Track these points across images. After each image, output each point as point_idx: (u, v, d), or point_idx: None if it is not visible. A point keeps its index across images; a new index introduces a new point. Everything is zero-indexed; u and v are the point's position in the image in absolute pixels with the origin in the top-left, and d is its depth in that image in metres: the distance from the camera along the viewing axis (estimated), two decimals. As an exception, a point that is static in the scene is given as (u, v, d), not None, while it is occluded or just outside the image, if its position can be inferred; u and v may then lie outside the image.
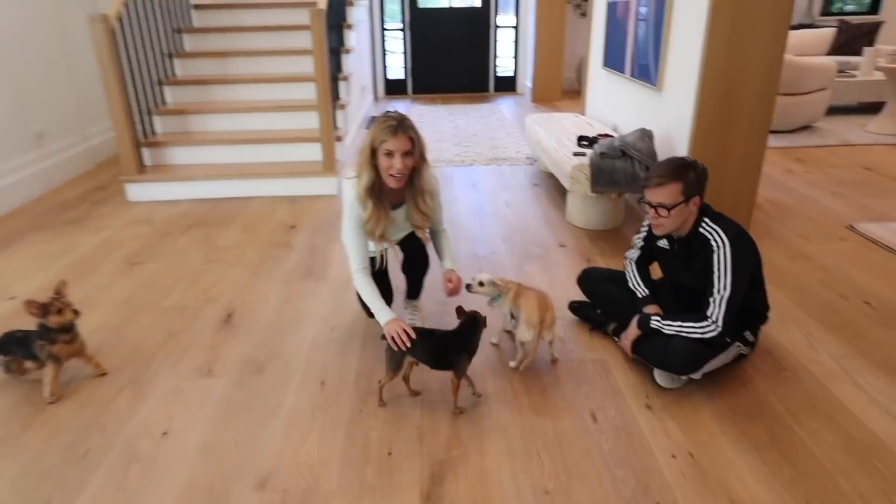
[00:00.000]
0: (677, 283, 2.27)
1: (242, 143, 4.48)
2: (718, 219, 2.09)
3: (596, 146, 3.36)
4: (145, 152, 4.45)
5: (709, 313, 2.04)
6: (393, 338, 2.01)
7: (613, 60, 4.35)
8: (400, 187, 2.21)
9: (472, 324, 2.07)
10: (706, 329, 2.04)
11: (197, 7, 5.35)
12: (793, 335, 2.48)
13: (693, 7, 3.07)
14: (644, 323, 2.19)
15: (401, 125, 2.09)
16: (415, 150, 2.14)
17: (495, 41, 8.23)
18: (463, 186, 4.50)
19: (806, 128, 5.84)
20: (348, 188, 2.22)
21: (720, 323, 2.02)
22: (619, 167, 3.21)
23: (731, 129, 3.08)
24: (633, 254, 2.44)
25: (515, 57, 8.38)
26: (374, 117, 2.16)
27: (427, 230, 2.40)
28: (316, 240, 3.54)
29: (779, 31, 2.93)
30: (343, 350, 2.45)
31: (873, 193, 4.11)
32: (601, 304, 2.53)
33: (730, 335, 2.10)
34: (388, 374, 2.07)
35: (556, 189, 4.38)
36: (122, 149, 4.22)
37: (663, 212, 2.05)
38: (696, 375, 2.11)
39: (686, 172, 2.02)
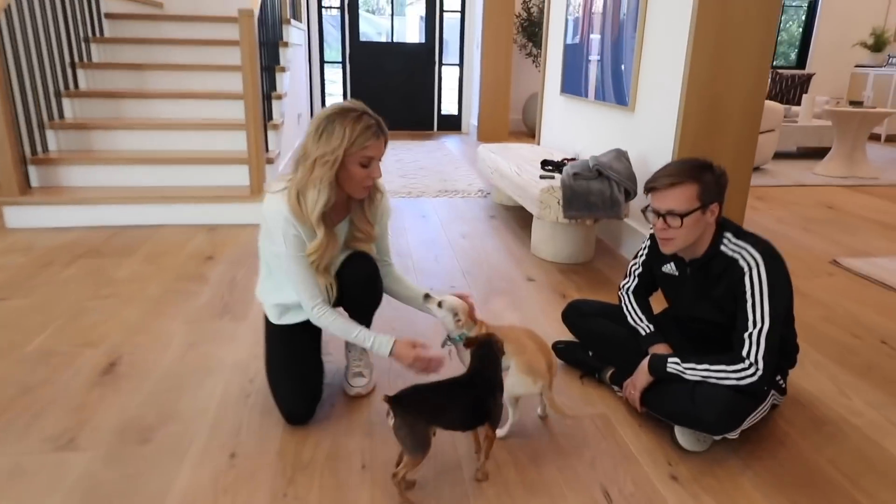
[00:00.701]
0: (689, 316, 1.82)
1: (154, 162, 3.83)
2: (742, 234, 1.67)
3: (567, 167, 2.96)
4: (33, 171, 3.71)
5: (744, 353, 1.59)
6: (420, 364, 1.68)
7: (572, 85, 4.05)
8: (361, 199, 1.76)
9: (490, 351, 1.57)
10: (743, 373, 1.58)
11: (109, 16, 4.73)
12: (817, 380, 2.07)
13: (672, 20, 2.78)
14: (657, 367, 1.71)
15: (380, 124, 1.65)
16: (384, 153, 1.72)
17: (440, 79, 7.96)
18: (412, 217, 4.00)
19: (757, 169, 5.75)
20: (276, 206, 1.66)
21: (760, 365, 1.57)
22: (596, 189, 2.80)
23: (719, 146, 2.75)
24: (630, 283, 1.99)
25: (460, 96, 8.12)
26: (330, 116, 1.64)
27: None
28: (237, 273, 2.92)
29: (766, 41, 2.66)
30: (265, 408, 1.83)
31: (844, 230, 3.91)
32: (593, 344, 2.04)
33: (770, 381, 1.65)
34: (414, 456, 1.44)
35: (515, 221, 3.95)
36: (1, 168, 3.48)
37: (674, 221, 1.61)
38: (734, 435, 1.63)
39: (703, 173, 1.60)
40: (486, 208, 4.27)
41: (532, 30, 7.57)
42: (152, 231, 3.52)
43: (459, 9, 7.68)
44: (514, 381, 1.67)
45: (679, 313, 1.88)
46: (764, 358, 1.56)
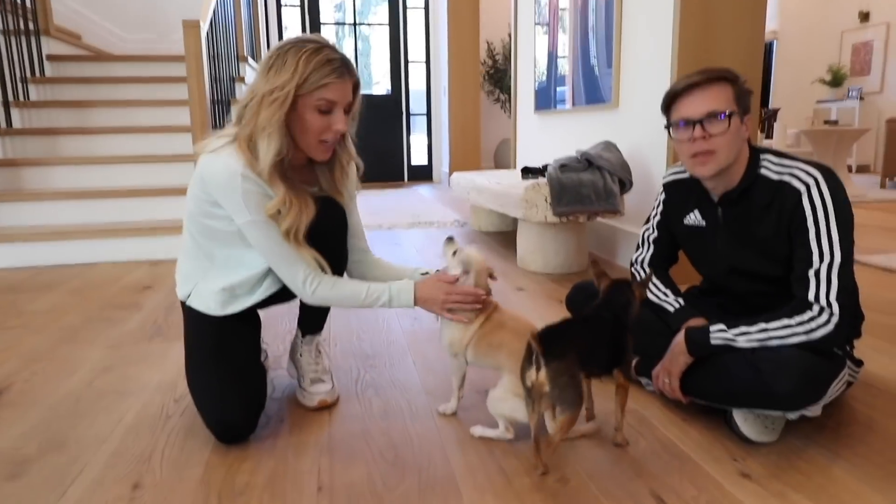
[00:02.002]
0: (726, 275, 1.45)
1: (91, 197, 3.44)
2: (785, 154, 1.35)
3: (552, 162, 2.65)
4: (-49, 212, 3.28)
5: (810, 296, 1.22)
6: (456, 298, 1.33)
7: (545, 101, 3.85)
8: (325, 160, 1.38)
9: (624, 289, 1.30)
10: (813, 322, 1.21)
11: (52, 58, 4.45)
12: (880, 362, 1.71)
13: (653, 8, 2.58)
14: (699, 341, 1.32)
15: (345, 61, 1.30)
16: (355, 104, 1.36)
17: (408, 129, 7.82)
18: (384, 244, 3.62)
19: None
20: (224, 164, 1.27)
21: (835, 308, 1.20)
22: (587, 180, 2.49)
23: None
24: (644, 253, 1.63)
25: (429, 145, 7.96)
26: (283, 46, 1.30)
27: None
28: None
29: (756, 14, 2.46)
30: (189, 430, 1.38)
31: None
32: (609, 331, 1.65)
33: (848, 333, 1.28)
34: (574, 411, 1.14)
35: (497, 242, 3.61)
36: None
37: (717, 125, 1.27)
38: (815, 410, 1.23)
39: (735, 78, 1.30)
40: (464, 235, 3.93)
41: (497, 76, 7.55)
42: (84, 269, 3.07)
43: (424, 59, 7.66)
44: (503, 401, 1.27)
45: (712, 275, 1.52)
46: (838, 299, 1.20)
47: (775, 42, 8.56)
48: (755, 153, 1.35)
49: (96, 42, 5.23)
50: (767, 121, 7.72)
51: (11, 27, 3.99)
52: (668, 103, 1.35)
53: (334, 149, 1.38)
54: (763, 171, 1.33)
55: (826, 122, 5.55)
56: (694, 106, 1.30)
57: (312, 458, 1.26)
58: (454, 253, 1.39)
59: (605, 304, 1.30)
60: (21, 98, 4.05)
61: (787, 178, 1.29)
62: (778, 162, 1.32)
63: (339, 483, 1.17)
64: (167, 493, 1.14)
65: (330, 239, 1.41)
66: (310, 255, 1.33)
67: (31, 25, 4.24)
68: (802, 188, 1.26)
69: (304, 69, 1.24)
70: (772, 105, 8.52)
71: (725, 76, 1.29)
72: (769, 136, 7.53)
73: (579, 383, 1.15)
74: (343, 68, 1.29)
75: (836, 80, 8.26)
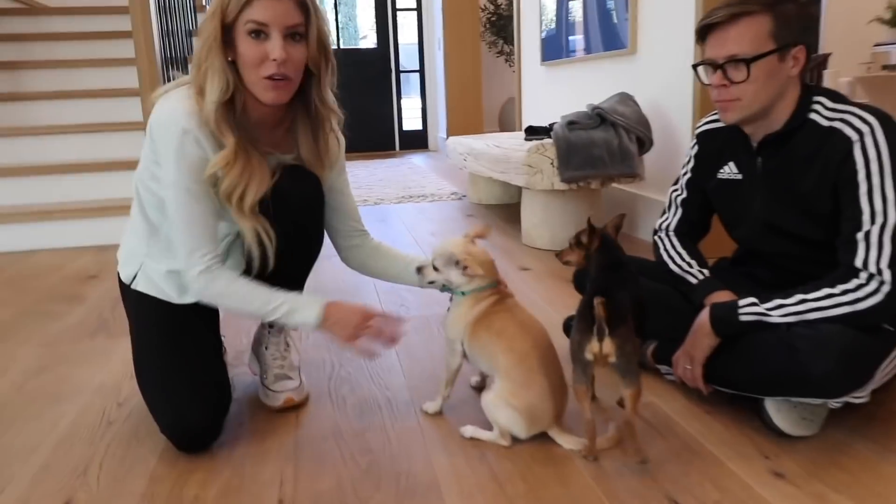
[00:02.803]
0: (763, 235, 1.42)
1: (30, 174, 3.41)
2: (842, 98, 1.31)
3: (559, 120, 2.61)
4: None
5: (858, 262, 1.19)
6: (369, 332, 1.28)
7: (554, 50, 3.79)
8: (280, 105, 1.28)
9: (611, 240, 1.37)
10: (861, 291, 1.18)
11: (-21, 12, 4.41)
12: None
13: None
14: (725, 318, 1.29)
15: None
16: (309, 30, 1.25)
17: (398, 90, 7.75)
18: (368, 221, 3.57)
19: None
20: (169, 109, 1.24)
21: (886, 276, 1.17)
22: (599, 139, 2.46)
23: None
24: (671, 218, 1.60)
25: (424, 107, 7.90)
26: None
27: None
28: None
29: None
30: (132, 437, 1.37)
31: None
32: (623, 312, 1.63)
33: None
34: (640, 381, 1.17)
35: (499, 216, 3.58)
36: None
37: (738, 72, 1.25)
38: (862, 395, 1.20)
39: (780, 1, 1.25)
40: (461, 209, 3.90)
41: (501, 24, 7.45)
42: (20, 256, 3.06)
43: (415, 5, 7.56)
44: (498, 408, 1.26)
45: (746, 237, 1.49)
46: (890, 266, 1.17)
47: (825, -24, 8.41)
48: (808, 93, 1.31)
49: (30, -6, 5.16)
50: (815, 69, 7.63)
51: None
52: (699, 37, 1.32)
53: (303, 92, 1.31)
54: (813, 115, 1.29)
55: (885, 66, 5.46)
56: (716, 46, 1.27)
57: (274, 467, 1.24)
58: (434, 268, 1.36)
59: (614, 252, 1.34)
60: (-58, 61, 4.02)
61: (838, 125, 1.25)
62: (832, 107, 1.28)
63: (304, 494, 1.15)
64: (103, 511, 1.13)
65: (299, 216, 1.38)
66: (252, 228, 1.28)
67: (-49, -25, 4.20)
68: (854, 136, 1.22)
69: None
70: (823, 49, 8.41)
71: (761, 3, 1.23)
72: (818, 85, 7.45)
73: (639, 350, 1.18)
74: None
75: (897, 20, 8.13)
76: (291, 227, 1.36)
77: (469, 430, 1.32)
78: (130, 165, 3.40)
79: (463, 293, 1.34)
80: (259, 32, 1.20)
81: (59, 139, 3.67)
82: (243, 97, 1.27)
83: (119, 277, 1.47)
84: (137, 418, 1.43)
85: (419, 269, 1.40)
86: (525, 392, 1.24)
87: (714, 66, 1.27)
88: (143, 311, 1.42)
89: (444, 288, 1.39)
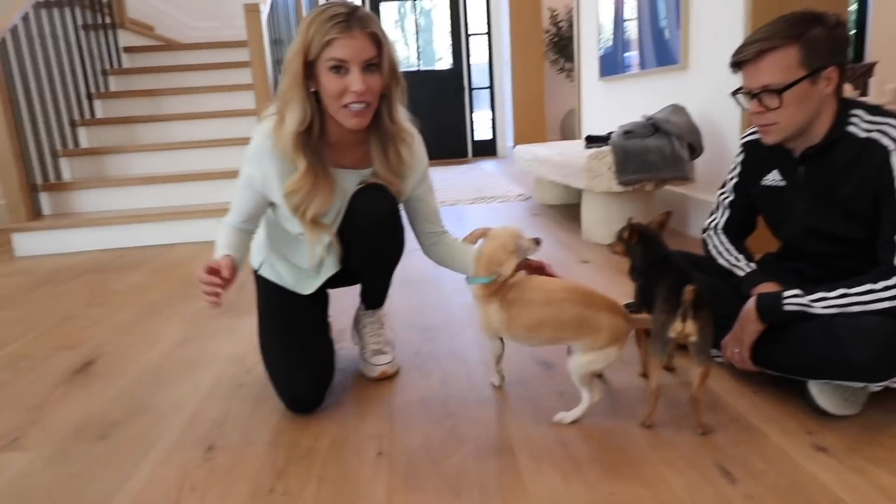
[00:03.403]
0: (806, 236, 1.37)
1: (168, 181, 3.64)
2: (879, 111, 1.25)
3: (616, 129, 2.58)
4: (44, 198, 3.57)
5: (896, 261, 1.15)
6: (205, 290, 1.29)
7: (611, 67, 3.72)
8: (361, 129, 1.32)
9: (653, 236, 1.41)
10: (900, 287, 1.13)
11: (128, 49, 4.71)
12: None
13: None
14: (771, 307, 1.26)
15: (355, 14, 1.23)
16: (382, 60, 1.27)
17: (471, 103, 7.77)
18: (446, 220, 3.63)
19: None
20: (262, 131, 1.32)
21: (923, 275, 1.12)
22: (653, 146, 2.41)
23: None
24: (719, 218, 1.57)
25: (493, 119, 7.89)
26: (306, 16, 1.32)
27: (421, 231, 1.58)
28: (249, 276, 2.61)
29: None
30: (259, 398, 1.46)
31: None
32: (676, 301, 1.60)
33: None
34: (710, 357, 1.21)
35: (562, 215, 3.56)
36: (9, 195, 3.35)
37: (771, 100, 1.22)
38: (901, 381, 1.16)
39: (808, 28, 1.20)
40: (528, 208, 3.89)
41: (562, 44, 7.35)
42: (165, 249, 3.28)
43: (486, 31, 7.56)
44: (589, 356, 1.21)
45: (790, 238, 1.44)
46: (929, 265, 1.12)
47: (872, -12, 7.86)
48: (845, 107, 1.26)
49: (167, 32, 5.48)
50: (861, 77, 7.14)
51: (90, 22, 4.25)
52: (734, 67, 1.30)
53: (382, 125, 1.35)
54: (851, 127, 1.25)
55: (930, 74, 5.07)
56: (750, 78, 1.26)
57: (373, 425, 1.30)
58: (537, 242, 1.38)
59: (657, 246, 1.37)
60: (102, 89, 4.33)
61: (875, 136, 1.21)
62: (869, 119, 1.23)
63: (398, 449, 1.21)
64: (238, 455, 1.22)
65: (371, 235, 1.40)
66: (316, 237, 1.35)
67: (107, 19, 4.50)
68: (892, 145, 1.18)
69: (307, 31, 1.22)
70: (869, 58, 7.86)
71: (790, 35, 1.20)
72: (864, 93, 6.98)
73: (713, 334, 1.18)
74: (348, 21, 1.21)
75: (944, 28, 7.51)
76: (365, 243, 1.41)
77: (563, 416, 1.26)
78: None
79: (479, 280, 1.32)
80: (339, 68, 1.23)
81: (191, 153, 3.89)
82: (321, 123, 1.30)
83: (251, 264, 1.57)
84: (262, 383, 1.52)
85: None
86: (591, 329, 1.20)
87: (750, 94, 1.25)
88: (266, 295, 1.52)
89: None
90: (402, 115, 1.40)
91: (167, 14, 5.65)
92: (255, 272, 1.54)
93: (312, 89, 1.27)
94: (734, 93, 1.33)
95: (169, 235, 3.41)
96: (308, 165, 1.29)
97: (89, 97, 4.17)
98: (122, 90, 4.45)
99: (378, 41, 1.26)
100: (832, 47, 1.22)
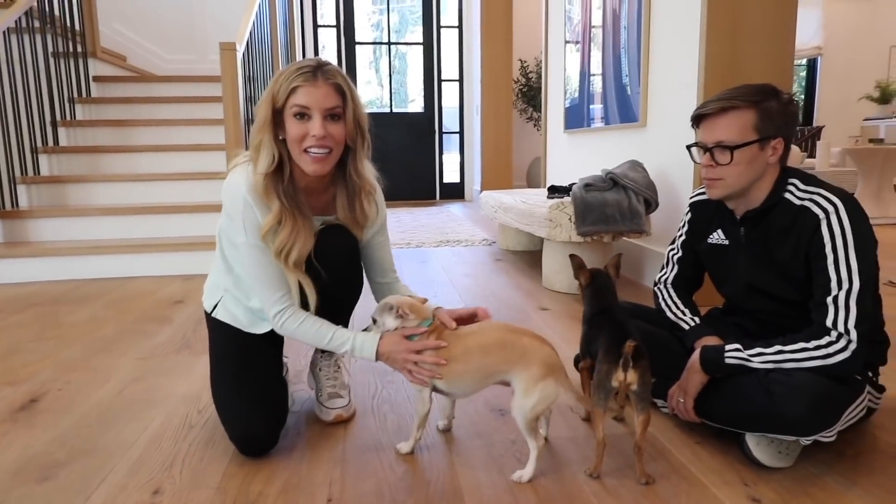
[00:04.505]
0: (746, 294, 1.45)
1: (130, 213, 3.61)
2: (813, 180, 1.35)
3: (577, 182, 2.68)
4: (-1, 225, 3.49)
5: (829, 322, 1.23)
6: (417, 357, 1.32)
7: (576, 120, 3.88)
8: (322, 176, 1.37)
9: (606, 280, 1.48)
10: (831, 348, 1.21)
11: (97, 79, 4.70)
12: (912, 390, 1.67)
13: (679, 22, 2.61)
14: (713, 360, 1.33)
15: (322, 68, 1.32)
16: (346, 111, 1.33)
17: (441, 146, 7.93)
18: (410, 262, 3.69)
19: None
20: (236, 180, 1.35)
21: (853, 335, 1.20)
22: (612, 200, 2.51)
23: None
24: (668, 273, 1.65)
25: (462, 162, 8.06)
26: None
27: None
28: (208, 313, 2.59)
29: (785, 27, 2.46)
30: (211, 440, 1.45)
31: (891, 258, 3.55)
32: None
33: (864, 362, 1.26)
34: (649, 409, 1.26)
35: (524, 261, 3.64)
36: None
37: (723, 156, 1.31)
38: (830, 436, 1.22)
39: (766, 99, 1.31)
40: (491, 254, 3.97)
41: (531, 94, 7.61)
42: (123, 282, 3.22)
43: (458, 77, 7.78)
44: (531, 396, 1.23)
45: (732, 294, 1.52)
46: (856, 326, 1.20)
47: (819, 58, 8.40)
48: (784, 176, 1.36)
49: (140, 63, 5.50)
50: (810, 139, 7.56)
51: (61, 49, 4.24)
52: (694, 123, 1.39)
53: (342, 164, 1.40)
54: (787, 195, 1.34)
55: (871, 140, 5.41)
56: (707, 132, 1.34)
57: (325, 471, 1.31)
58: (372, 321, 1.40)
59: (605, 296, 1.43)
60: (68, 117, 4.29)
61: (808, 203, 1.30)
62: (803, 187, 1.33)
63: (349, 495, 1.21)
64: (185, 499, 1.20)
65: (340, 267, 1.45)
66: (295, 281, 1.36)
67: (79, 48, 4.50)
68: (821, 214, 1.27)
69: (276, 83, 1.31)
70: (816, 122, 8.34)
71: (750, 100, 1.30)
72: (811, 154, 7.37)
73: (651, 383, 1.26)
74: (314, 73, 1.29)
75: (885, 97, 8.02)
76: (334, 276, 1.43)
77: (521, 475, 1.26)
78: (215, 208, 3.59)
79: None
80: (303, 115, 1.30)
81: (158, 185, 3.87)
82: (290, 169, 1.36)
83: (203, 306, 1.57)
84: (213, 424, 1.51)
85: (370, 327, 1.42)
86: (532, 358, 1.25)
87: (704, 148, 1.34)
88: (219, 335, 1.52)
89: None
90: (368, 169, 1.45)
91: (141, 45, 5.67)
92: (208, 315, 1.53)
93: (281, 137, 1.33)
94: (690, 146, 1.42)
95: (128, 268, 3.36)
96: (280, 206, 1.32)
97: (54, 124, 4.13)
98: (89, 119, 4.42)
99: (342, 91, 1.33)
100: (783, 121, 1.31)
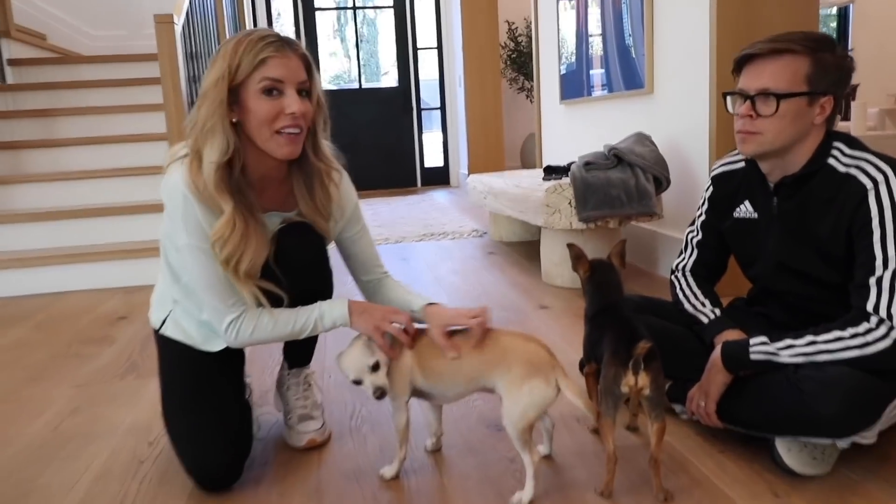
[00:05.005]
0: (777, 274, 1.48)
1: (61, 218, 3.59)
2: (859, 145, 1.37)
3: (577, 160, 2.71)
4: None
5: (869, 306, 1.26)
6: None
7: (574, 89, 3.91)
8: (291, 159, 1.37)
9: (609, 271, 1.52)
10: (870, 335, 1.24)
11: (14, 62, 4.66)
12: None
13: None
14: (736, 356, 1.36)
15: (287, 40, 1.32)
16: (312, 88, 1.35)
17: (420, 125, 7.94)
18: (390, 260, 3.65)
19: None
20: (174, 178, 1.34)
21: (896, 321, 1.23)
22: (616, 179, 2.54)
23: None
24: (686, 259, 1.68)
25: (445, 143, 8.07)
26: (224, 42, 1.38)
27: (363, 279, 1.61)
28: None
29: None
30: (164, 476, 1.46)
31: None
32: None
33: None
34: (664, 416, 1.28)
35: (520, 254, 3.67)
36: None
37: (767, 106, 1.32)
38: (870, 437, 1.26)
39: (822, 49, 1.31)
40: (482, 247, 3.99)
41: (521, 61, 7.63)
42: (54, 299, 3.21)
43: (436, 45, 7.78)
44: (518, 402, 1.25)
45: (760, 276, 1.55)
46: (902, 311, 1.23)
47: (851, 6, 8.50)
48: (828, 139, 1.38)
49: (62, 42, 5.44)
50: (843, 100, 7.66)
51: (-32, 31, 4.20)
52: (736, 69, 1.40)
53: (306, 160, 1.40)
54: (831, 160, 1.36)
55: (912, 98, 5.49)
56: (751, 77, 1.35)
57: (298, 502, 1.32)
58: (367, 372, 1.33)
59: (609, 291, 1.46)
60: (-21, 109, 4.26)
61: (853, 172, 1.32)
62: (849, 152, 1.35)
63: (327, 530, 1.23)
64: (137, 544, 1.21)
65: (302, 275, 1.44)
66: (250, 293, 1.35)
67: (-11, 27, 4.46)
68: (869, 184, 1.29)
69: (234, 52, 1.27)
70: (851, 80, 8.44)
71: (807, 47, 1.30)
72: (845, 117, 7.47)
73: (664, 386, 1.30)
74: (281, 42, 1.30)
75: (927, 48, 8.16)
76: (295, 286, 1.42)
77: (520, 497, 1.27)
78: (158, 209, 3.56)
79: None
80: (273, 90, 1.29)
81: (90, 184, 3.86)
82: (242, 158, 1.34)
83: (150, 322, 1.57)
84: (167, 457, 1.52)
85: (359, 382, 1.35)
86: (514, 359, 1.28)
87: (745, 96, 1.35)
88: (169, 355, 1.52)
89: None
90: (328, 150, 1.46)
91: (63, 21, 5.62)
92: (156, 332, 1.54)
93: (235, 119, 1.31)
94: (727, 93, 1.43)
95: (59, 282, 3.34)
96: (234, 207, 1.30)
97: (-37, 118, 4.10)
98: (7, 110, 4.38)
99: (309, 65, 1.35)
100: (837, 76, 1.33)
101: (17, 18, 4.83)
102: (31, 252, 3.45)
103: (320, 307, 1.40)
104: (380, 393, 1.30)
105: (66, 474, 1.49)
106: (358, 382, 1.33)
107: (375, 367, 1.31)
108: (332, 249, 1.56)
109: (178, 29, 3.37)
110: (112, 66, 4.84)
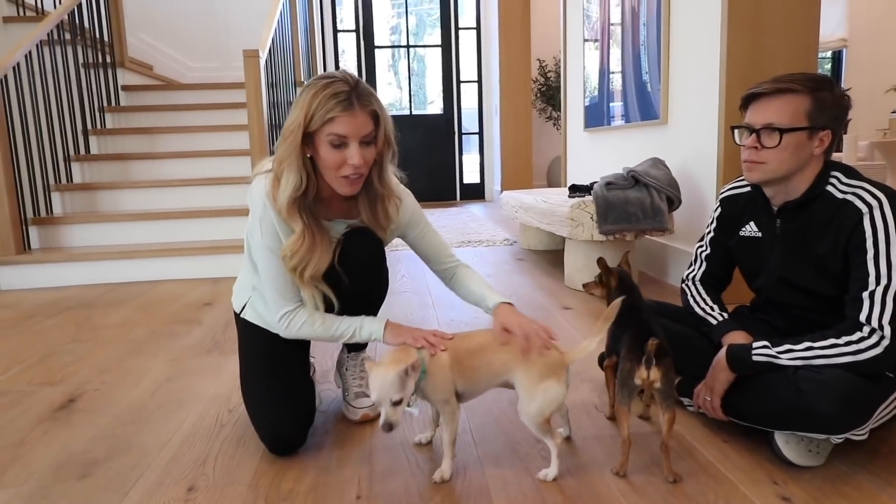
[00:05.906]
0: (779, 288, 1.43)
1: (158, 218, 3.68)
2: (855, 174, 1.33)
3: (598, 180, 2.67)
4: (34, 232, 3.59)
5: (862, 317, 1.21)
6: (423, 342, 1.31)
7: (596, 118, 3.86)
8: (353, 195, 1.38)
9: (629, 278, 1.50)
10: (862, 343, 1.19)
11: (126, 88, 4.81)
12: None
13: (700, 15, 2.58)
14: (740, 357, 1.32)
15: (356, 91, 1.27)
16: (378, 134, 1.33)
17: (460, 147, 7.94)
18: (431, 263, 3.70)
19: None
20: (259, 187, 1.36)
21: (887, 331, 1.18)
22: (634, 198, 2.50)
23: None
24: (696, 271, 1.63)
25: (482, 163, 8.05)
26: (306, 85, 1.37)
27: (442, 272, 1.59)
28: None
29: (808, 27, 2.42)
30: (241, 438, 1.48)
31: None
32: (651, 350, 1.66)
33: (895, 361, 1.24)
34: (674, 406, 1.25)
35: (546, 260, 3.63)
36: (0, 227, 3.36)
37: (771, 139, 1.28)
38: (861, 433, 1.21)
39: (822, 88, 1.28)
40: (512, 253, 3.96)
41: (550, 94, 7.58)
42: (152, 286, 3.29)
43: (477, 78, 7.78)
44: (534, 400, 1.23)
45: (763, 288, 1.50)
46: (891, 323, 1.18)
47: (845, 50, 8.23)
48: (827, 169, 1.34)
49: (166, 72, 5.61)
50: (841, 133, 7.40)
51: (91, 60, 4.35)
52: (744, 104, 1.37)
53: (371, 185, 1.39)
54: (829, 187, 1.32)
55: (900, 132, 5.29)
56: (757, 113, 1.31)
57: (353, 469, 1.32)
58: (397, 403, 1.19)
59: (632, 294, 1.41)
60: (98, 126, 4.40)
61: (850, 198, 1.28)
62: (846, 181, 1.31)
63: (378, 492, 1.23)
64: (219, 496, 1.23)
65: (361, 273, 1.44)
66: (310, 294, 1.36)
67: (108, 58, 4.61)
68: (865, 209, 1.25)
69: (309, 105, 1.25)
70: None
71: (806, 87, 1.27)
72: (838, 148, 7.23)
73: (675, 380, 1.27)
74: (350, 100, 1.25)
75: (914, 88, 7.85)
76: (356, 282, 1.42)
77: (546, 473, 1.25)
78: (240, 212, 3.65)
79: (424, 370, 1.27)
80: (340, 145, 1.28)
81: (184, 190, 3.95)
82: (316, 185, 1.34)
83: (233, 307, 1.60)
84: (243, 423, 1.54)
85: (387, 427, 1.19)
86: (531, 360, 1.25)
87: (751, 130, 1.32)
88: (248, 336, 1.54)
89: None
90: (392, 178, 1.45)
91: (167, 54, 5.78)
92: (237, 315, 1.56)
93: (309, 154, 1.32)
94: (735, 127, 1.40)
95: (157, 272, 3.42)
96: (303, 227, 1.32)
97: (85, 133, 4.23)
98: (119, 127, 4.52)
99: (376, 116, 1.32)
100: (835, 113, 1.29)
101: (130, 52, 4.99)
102: (135, 246, 3.54)
103: (362, 320, 1.39)
104: (388, 428, 1.17)
105: (160, 433, 1.52)
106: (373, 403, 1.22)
107: (397, 403, 1.18)
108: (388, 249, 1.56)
109: (262, 62, 3.43)
110: (206, 92, 4.95)
